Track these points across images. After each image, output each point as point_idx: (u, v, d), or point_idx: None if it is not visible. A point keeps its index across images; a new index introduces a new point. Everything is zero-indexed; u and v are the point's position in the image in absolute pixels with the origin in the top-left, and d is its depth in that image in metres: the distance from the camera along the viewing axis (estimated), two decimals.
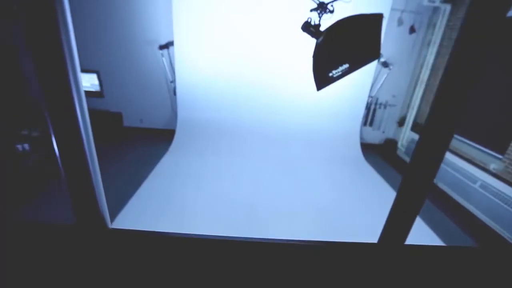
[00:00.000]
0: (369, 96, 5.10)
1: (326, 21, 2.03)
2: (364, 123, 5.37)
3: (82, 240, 0.88)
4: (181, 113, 4.97)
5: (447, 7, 4.37)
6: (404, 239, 0.95)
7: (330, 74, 2.14)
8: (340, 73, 2.12)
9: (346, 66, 2.07)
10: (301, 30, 2.10)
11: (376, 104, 5.28)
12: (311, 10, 2.14)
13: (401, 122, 5.36)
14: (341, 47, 2.03)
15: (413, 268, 1.00)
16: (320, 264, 0.96)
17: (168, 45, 4.59)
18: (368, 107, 5.22)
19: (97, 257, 0.89)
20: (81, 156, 0.76)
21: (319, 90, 2.29)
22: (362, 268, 0.98)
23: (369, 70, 4.81)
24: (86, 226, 0.86)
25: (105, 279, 0.90)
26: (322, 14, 2.08)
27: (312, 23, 2.04)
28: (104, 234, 0.88)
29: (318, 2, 2.05)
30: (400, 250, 0.97)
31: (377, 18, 1.97)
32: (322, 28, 2.03)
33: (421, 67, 4.92)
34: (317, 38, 2.01)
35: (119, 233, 0.90)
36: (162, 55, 4.66)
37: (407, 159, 5.03)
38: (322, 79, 2.18)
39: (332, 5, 2.07)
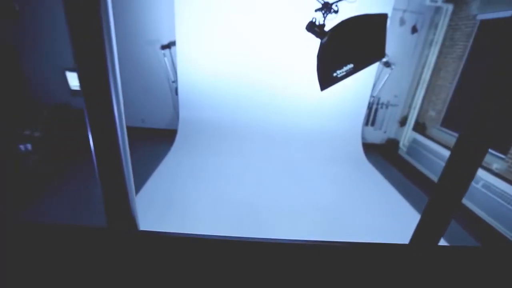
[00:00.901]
0: (371, 96, 5.10)
1: (331, 21, 2.03)
2: (366, 123, 5.37)
3: (114, 242, 0.88)
4: (183, 113, 4.97)
5: (449, 7, 4.37)
6: (438, 240, 0.94)
7: (335, 74, 2.14)
8: (344, 73, 2.12)
9: (350, 66, 2.07)
10: (304, 30, 2.10)
11: (377, 104, 5.28)
12: (316, 10, 2.14)
13: (403, 122, 5.36)
14: (345, 47, 2.02)
15: (447, 270, 1.00)
16: (344, 266, 0.95)
17: (170, 45, 4.58)
18: (370, 107, 5.22)
19: (129, 259, 0.89)
20: (117, 159, 0.75)
21: (323, 90, 2.29)
22: (391, 270, 0.97)
23: (371, 70, 4.81)
24: (118, 229, 0.86)
25: (137, 281, 0.90)
26: (327, 14, 2.08)
27: (317, 23, 2.04)
28: (136, 236, 0.89)
29: (322, 2, 2.05)
30: (434, 251, 0.96)
31: (381, 18, 1.97)
32: (326, 28, 2.03)
33: (423, 67, 4.92)
34: (321, 38, 2.01)
35: (148, 235, 0.90)
36: (164, 55, 4.65)
37: (409, 159, 5.03)
38: (326, 79, 2.18)
39: (336, 5, 2.07)
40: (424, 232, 0.95)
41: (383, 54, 2.07)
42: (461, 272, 1.00)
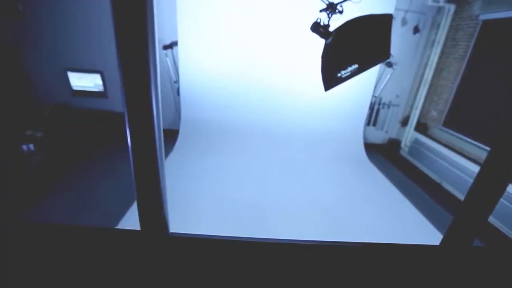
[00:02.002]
0: (373, 96, 5.10)
1: (335, 22, 2.03)
2: (368, 123, 5.38)
3: (146, 246, 0.88)
4: (184, 113, 4.97)
5: (451, 7, 4.37)
6: (472, 242, 0.93)
7: (339, 75, 2.14)
8: (348, 73, 2.12)
9: (355, 66, 2.07)
10: (307, 31, 2.10)
11: (379, 104, 5.28)
12: (321, 11, 2.14)
13: (405, 122, 5.37)
14: (350, 48, 2.02)
15: (481, 272, 0.99)
16: (369, 267, 0.95)
17: (172, 45, 4.58)
18: (371, 107, 5.22)
19: (162, 262, 0.89)
20: (154, 162, 0.76)
21: (327, 91, 2.29)
22: (420, 272, 0.96)
23: (373, 70, 4.81)
24: (151, 232, 0.86)
25: (170, 284, 0.90)
26: (332, 15, 2.08)
27: (322, 23, 2.04)
28: (168, 239, 0.89)
29: (327, 2, 2.05)
30: (467, 253, 0.96)
31: (386, 19, 1.97)
32: (331, 29, 2.03)
33: (425, 67, 4.93)
34: (326, 39, 2.01)
35: (179, 238, 0.90)
36: (166, 55, 4.65)
37: (410, 159, 5.03)
38: (331, 80, 2.18)
39: (341, 6, 2.07)
40: (457, 234, 0.94)
41: (388, 55, 2.07)
42: (498, 274, 1.00)
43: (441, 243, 0.96)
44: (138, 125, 0.72)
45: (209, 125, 5.00)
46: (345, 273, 0.94)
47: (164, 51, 4.63)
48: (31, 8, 4.27)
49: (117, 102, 5.07)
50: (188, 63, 4.69)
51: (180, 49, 4.58)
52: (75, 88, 4.87)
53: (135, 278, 0.89)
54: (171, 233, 0.90)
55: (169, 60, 4.70)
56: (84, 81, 4.83)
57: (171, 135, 4.88)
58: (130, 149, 0.74)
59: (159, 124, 0.73)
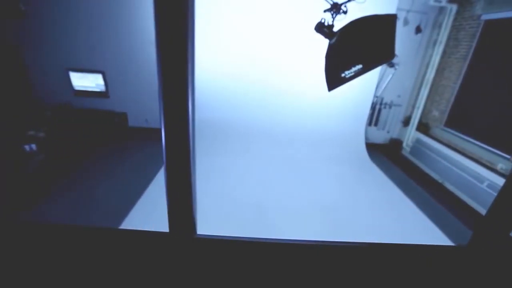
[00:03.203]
0: (375, 96, 5.10)
1: (339, 22, 2.03)
2: (369, 123, 5.37)
3: (175, 247, 0.89)
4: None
5: (453, 7, 4.37)
6: (504, 242, 0.93)
7: (343, 75, 2.14)
8: (352, 73, 2.12)
9: (359, 66, 2.07)
10: (310, 31, 2.10)
11: (381, 104, 5.28)
12: (325, 11, 2.14)
13: (406, 122, 5.37)
14: (354, 48, 2.02)
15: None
16: (391, 268, 0.95)
17: None
18: (373, 107, 5.22)
19: (190, 264, 0.90)
20: (186, 166, 0.76)
21: (331, 91, 2.29)
22: (446, 272, 0.96)
23: (374, 70, 4.78)
24: (179, 234, 0.86)
25: (199, 284, 0.91)
26: (336, 15, 2.08)
27: (326, 23, 2.04)
28: (196, 241, 0.89)
29: (332, 2, 2.05)
30: (490, 254, 0.96)
31: (390, 19, 1.97)
32: (335, 29, 2.03)
33: (427, 67, 4.92)
34: (330, 39, 2.01)
35: (207, 240, 0.91)
36: None
37: (412, 159, 5.03)
38: (334, 80, 2.18)
39: (345, 6, 2.07)
40: (486, 234, 0.93)
41: (392, 55, 2.07)
42: None
43: (468, 243, 0.96)
44: (174, 128, 0.72)
45: (210, 125, 5.00)
46: (358, 273, 0.95)
47: None
48: (33, 8, 4.27)
49: (118, 102, 5.07)
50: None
51: None
52: (76, 88, 4.87)
53: (164, 279, 0.89)
54: (199, 234, 0.91)
55: None
56: (85, 81, 4.83)
57: None
58: (164, 152, 0.74)
59: (193, 127, 0.73)
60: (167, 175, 0.77)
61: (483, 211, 3.48)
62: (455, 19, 4.42)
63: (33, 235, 0.89)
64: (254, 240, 0.91)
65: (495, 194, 3.21)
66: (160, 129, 0.72)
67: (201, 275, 0.90)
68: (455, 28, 4.44)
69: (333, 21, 2.07)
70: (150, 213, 3.05)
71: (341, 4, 2.06)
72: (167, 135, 0.72)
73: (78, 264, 0.88)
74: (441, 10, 4.58)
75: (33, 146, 3.53)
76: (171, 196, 0.80)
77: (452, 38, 4.50)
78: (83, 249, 0.89)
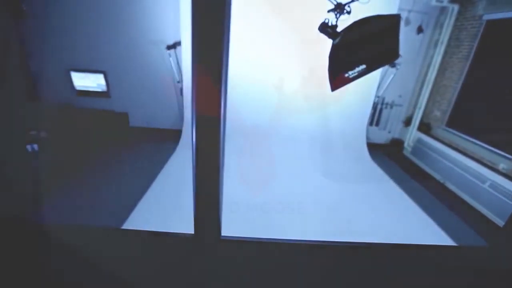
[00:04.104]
0: (376, 96, 5.10)
1: (343, 22, 2.03)
2: (370, 123, 5.37)
3: (200, 249, 0.89)
4: (187, 113, 4.96)
5: (455, 7, 4.37)
6: None
7: (346, 75, 2.14)
8: (356, 74, 2.12)
9: (363, 67, 2.07)
10: (308, 30, 2.10)
11: (382, 104, 5.28)
12: (329, 11, 2.14)
13: (408, 122, 5.37)
14: (358, 48, 2.02)
15: None
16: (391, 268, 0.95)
17: (175, 45, 4.58)
18: (374, 107, 5.22)
19: (216, 265, 0.90)
20: (215, 169, 0.76)
21: (334, 91, 2.29)
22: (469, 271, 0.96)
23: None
24: (205, 236, 0.87)
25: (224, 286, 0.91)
26: (339, 15, 2.08)
27: (329, 24, 2.04)
28: (221, 242, 0.90)
29: (335, 3, 2.05)
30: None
31: (394, 19, 1.97)
32: (339, 29, 2.03)
33: (428, 67, 4.93)
34: (334, 39, 2.01)
35: (231, 241, 0.91)
36: (170, 55, 4.65)
37: (414, 159, 5.03)
38: (338, 80, 2.18)
39: (349, 6, 2.07)
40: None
41: (397, 55, 2.07)
42: None
43: (488, 244, 0.97)
44: (205, 132, 0.72)
45: None
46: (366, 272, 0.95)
47: (168, 51, 4.62)
48: (35, 8, 4.26)
49: (119, 102, 5.07)
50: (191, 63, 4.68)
51: (183, 49, 4.57)
52: (78, 88, 4.87)
53: (191, 280, 0.89)
54: (223, 236, 0.91)
55: (172, 60, 4.70)
56: (87, 81, 4.83)
57: (174, 135, 4.87)
58: (194, 155, 0.74)
59: (224, 132, 0.73)
60: (196, 178, 0.77)
61: (485, 211, 3.49)
62: (456, 19, 4.42)
63: (60, 236, 0.89)
64: (277, 241, 0.92)
65: (497, 194, 3.22)
66: (192, 133, 0.72)
67: (227, 276, 0.91)
68: (457, 28, 4.44)
69: (336, 21, 2.08)
70: (152, 213, 3.05)
71: (345, 4, 2.06)
72: (199, 139, 0.72)
73: (102, 265, 0.89)
74: (443, 10, 4.58)
75: (35, 146, 3.52)
76: (199, 199, 0.81)
77: (454, 38, 4.50)
78: (108, 251, 0.89)
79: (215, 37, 0.62)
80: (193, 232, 0.87)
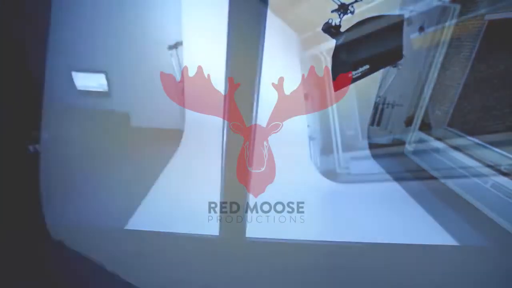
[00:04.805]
0: (377, 96, 5.10)
1: (346, 22, 2.03)
2: (371, 123, 5.37)
3: (226, 250, 0.90)
4: (189, 113, 4.96)
5: (457, 7, 4.37)
6: None
7: (349, 75, 2.14)
8: (359, 74, 2.12)
9: (366, 67, 2.07)
10: (321, 31, 2.11)
11: (383, 103, 5.28)
12: (332, 11, 2.14)
13: (409, 122, 5.36)
14: (361, 48, 2.02)
15: None
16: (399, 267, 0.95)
17: (177, 45, 4.57)
18: (375, 107, 5.22)
19: (241, 266, 0.91)
20: (243, 171, 0.76)
21: (337, 91, 2.29)
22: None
23: None
24: (230, 237, 0.88)
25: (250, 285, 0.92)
26: (343, 15, 2.08)
27: (333, 24, 2.04)
28: (246, 243, 0.91)
29: (339, 3, 2.05)
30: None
31: (398, 19, 1.97)
32: (342, 29, 2.03)
33: (430, 66, 4.92)
34: (337, 39, 2.01)
35: (256, 242, 0.92)
36: (171, 55, 4.64)
37: (415, 158, 5.03)
38: (341, 80, 2.18)
39: (353, 6, 2.07)
40: None
41: (400, 56, 2.07)
42: None
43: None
44: (235, 134, 0.72)
45: (213, 125, 4.99)
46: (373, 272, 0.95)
47: (169, 52, 4.62)
48: (36, 8, 4.26)
49: (121, 102, 5.06)
50: (192, 64, 4.67)
51: (185, 50, 4.57)
52: (79, 88, 4.86)
53: (218, 279, 0.90)
54: (247, 237, 0.92)
55: (174, 60, 4.70)
56: (88, 81, 4.83)
57: (175, 135, 4.87)
58: (223, 159, 0.75)
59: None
60: (225, 180, 0.77)
61: (487, 211, 3.48)
62: (458, 19, 4.42)
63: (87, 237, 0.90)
64: (298, 242, 0.92)
65: (499, 194, 3.24)
66: (222, 136, 0.72)
67: (253, 274, 0.91)
68: (458, 28, 4.43)
69: (340, 21, 2.08)
70: (155, 213, 3.06)
71: (349, 5, 2.06)
72: (229, 143, 0.72)
73: (127, 265, 0.89)
74: (444, 10, 4.58)
75: (37, 146, 3.52)
76: (226, 200, 0.81)
77: (455, 38, 4.49)
78: (133, 252, 0.89)
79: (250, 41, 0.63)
80: (217, 234, 0.88)
